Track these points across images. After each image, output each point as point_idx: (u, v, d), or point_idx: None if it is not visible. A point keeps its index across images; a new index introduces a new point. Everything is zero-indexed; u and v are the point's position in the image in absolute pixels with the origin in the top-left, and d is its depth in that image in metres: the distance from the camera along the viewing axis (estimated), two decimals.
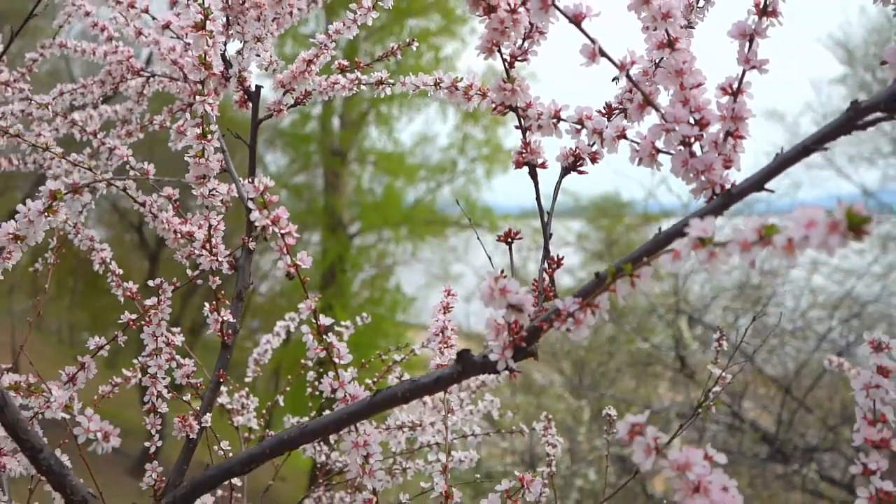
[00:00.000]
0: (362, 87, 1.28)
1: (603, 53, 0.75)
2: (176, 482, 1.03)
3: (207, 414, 1.12)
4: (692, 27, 0.92)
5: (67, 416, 0.82)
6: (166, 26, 1.25)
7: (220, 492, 1.31)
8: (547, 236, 0.88)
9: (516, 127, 0.89)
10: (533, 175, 0.90)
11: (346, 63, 1.29)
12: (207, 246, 1.12)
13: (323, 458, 1.63)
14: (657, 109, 0.78)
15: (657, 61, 0.78)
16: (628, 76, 0.77)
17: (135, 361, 1.25)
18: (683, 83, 0.75)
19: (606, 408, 1.39)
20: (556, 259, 0.87)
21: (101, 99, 1.54)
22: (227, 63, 1.22)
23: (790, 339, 7.15)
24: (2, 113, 1.45)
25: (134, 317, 1.12)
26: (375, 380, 1.59)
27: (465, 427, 1.51)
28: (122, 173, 1.41)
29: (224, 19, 1.19)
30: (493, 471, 6.38)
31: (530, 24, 0.83)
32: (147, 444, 1.12)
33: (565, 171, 0.90)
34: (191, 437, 1.11)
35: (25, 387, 0.88)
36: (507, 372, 0.74)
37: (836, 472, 5.97)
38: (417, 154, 11.03)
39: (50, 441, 0.86)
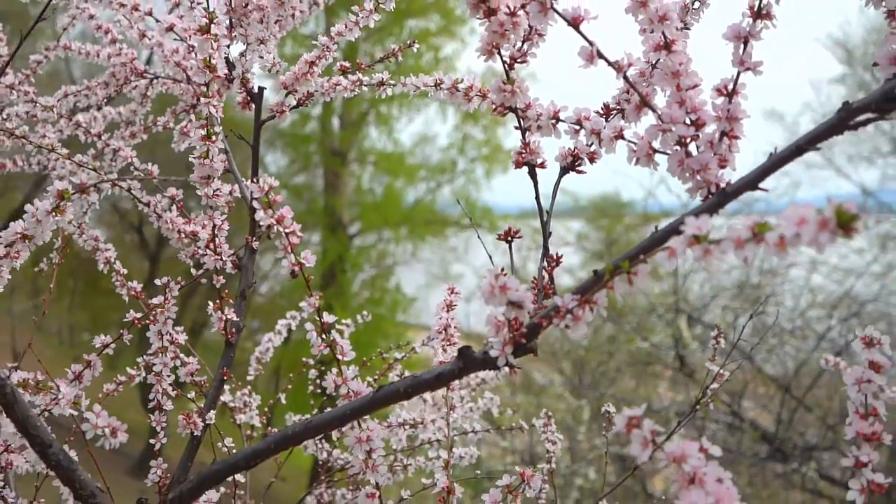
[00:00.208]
0: (363, 88, 1.29)
1: (601, 55, 0.76)
2: (180, 478, 1.04)
3: (211, 411, 1.13)
4: (688, 29, 0.93)
5: (75, 413, 0.84)
6: (170, 29, 1.27)
7: (222, 489, 1.33)
8: (546, 235, 0.89)
9: (516, 127, 0.91)
10: (532, 175, 0.92)
11: (347, 65, 1.31)
12: (211, 245, 1.13)
13: (324, 455, 1.64)
14: (654, 110, 0.79)
15: (654, 63, 0.80)
16: (625, 78, 0.79)
17: (139, 360, 1.27)
18: (680, 84, 0.77)
19: (605, 405, 1.41)
20: (555, 257, 0.88)
21: (104, 101, 1.55)
22: (230, 65, 1.23)
23: (789, 339, 7.16)
24: (6, 115, 1.47)
25: (139, 315, 1.13)
26: (376, 378, 1.60)
27: (466, 424, 1.52)
28: (126, 174, 1.42)
29: (227, 22, 1.20)
30: (494, 470, 6.39)
31: (529, 26, 0.85)
32: (152, 440, 1.13)
33: (564, 170, 0.91)
34: (195, 434, 1.12)
35: (33, 384, 0.89)
36: (507, 368, 0.75)
37: (836, 471, 5.98)
38: (417, 154, 11.04)
39: None
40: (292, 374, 1.73)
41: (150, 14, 1.36)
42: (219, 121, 1.05)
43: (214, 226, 1.11)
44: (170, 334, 1.15)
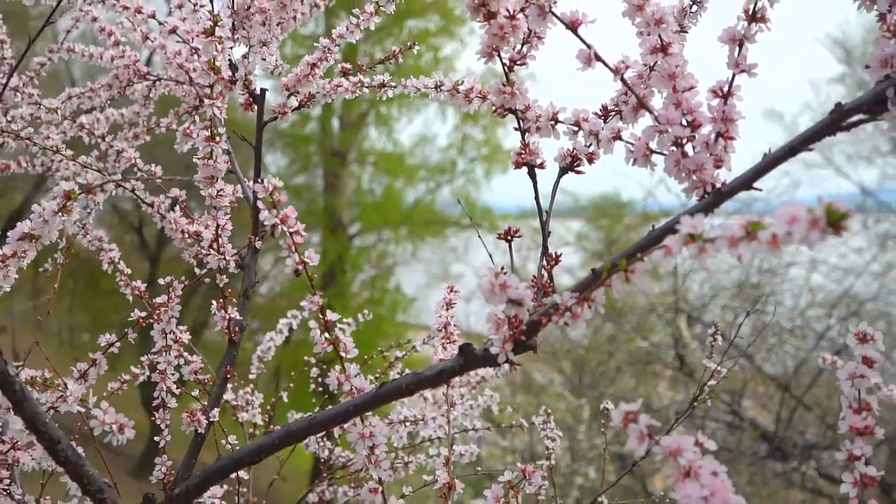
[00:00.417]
0: (364, 90, 1.31)
1: (598, 58, 0.78)
2: (185, 476, 1.06)
3: (215, 409, 1.15)
4: (685, 31, 0.95)
5: (83, 410, 0.85)
6: (173, 31, 1.28)
7: (226, 486, 1.34)
8: (545, 234, 0.91)
9: (515, 129, 0.92)
10: (532, 175, 0.93)
11: (348, 66, 1.32)
12: (215, 245, 1.15)
13: (326, 453, 1.65)
14: (651, 112, 0.81)
15: (651, 65, 0.81)
16: (623, 80, 0.80)
17: (142, 359, 1.28)
18: (676, 86, 0.78)
19: (604, 402, 1.42)
20: (554, 256, 0.89)
21: (108, 102, 1.57)
22: (232, 67, 1.25)
23: (789, 338, 7.18)
24: (11, 117, 1.48)
25: (143, 314, 1.14)
26: (377, 376, 1.62)
27: (466, 422, 1.54)
28: (129, 175, 1.44)
29: (230, 24, 1.22)
30: (494, 469, 6.40)
31: (529, 29, 0.86)
32: (157, 438, 1.15)
33: (563, 171, 0.93)
34: (199, 431, 1.14)
35: (41, 382, 0.90)
36: (507, 365, 0.77)
37: (835, 470, 5.99)
38: (417, 154, 11.05)
39: None
40: (294, 372, 1.75)
41: (152, 17, 1.37)
42: (222, 122, 1.07)
43: (218, 225, 1.13)
44: (173, 333, 1.16)
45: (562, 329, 0.72)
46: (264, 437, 0.82)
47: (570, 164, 0.91)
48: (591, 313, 0.71)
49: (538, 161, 0.92)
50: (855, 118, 0.69)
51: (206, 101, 1.01)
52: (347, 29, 1.28)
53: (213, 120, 1.04)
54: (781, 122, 8.90)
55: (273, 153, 10.68)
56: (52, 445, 0.79)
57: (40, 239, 0.92)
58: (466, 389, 1.70)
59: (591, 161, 0.91)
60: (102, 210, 1.51)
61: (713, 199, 0.73)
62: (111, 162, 1.51)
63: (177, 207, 1.27)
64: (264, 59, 1.22)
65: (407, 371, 1.67)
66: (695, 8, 0.98)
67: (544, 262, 0.88)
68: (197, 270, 1.23)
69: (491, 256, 0.98)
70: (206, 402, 1.16)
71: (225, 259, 1.15)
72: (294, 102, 1.32)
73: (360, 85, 1.30)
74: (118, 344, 1.16)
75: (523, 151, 0.92)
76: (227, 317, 1.18)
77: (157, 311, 1.13)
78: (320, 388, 1.78)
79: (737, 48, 0.76)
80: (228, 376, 1.19)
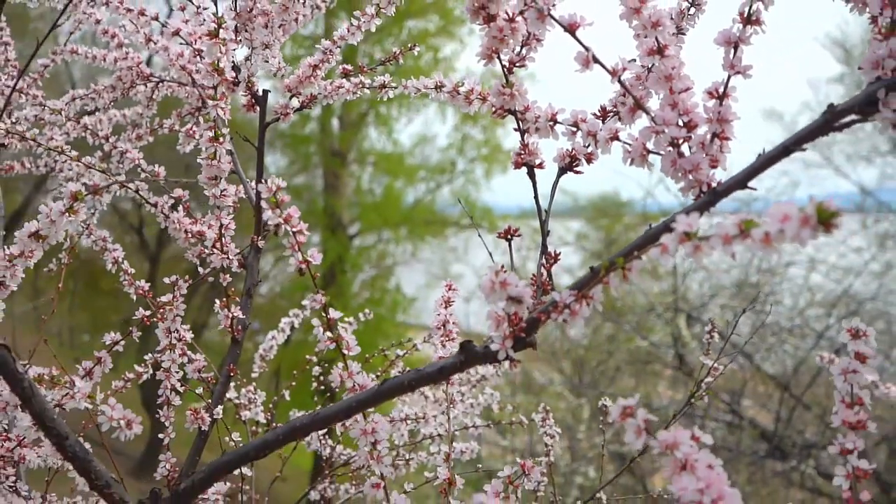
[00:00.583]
0: (366, 90, 1.32)
1: (596, 60, 0.79)
2: (189, 472, 1.07)
3: (219, 406, 1.16)
4: (683, 33, 0.96)
5: (90, 406, 0.87)
6: (176, 33, 1.30)
7: (228, 484, 1.35)
8: (545, 233, 0.92)
9: (515, 129, 0.94)
10: (531, 175, 0.95)
11: (350, 67, 1.34)
12: (218, 245, 1.16)
13: (328, 451, 1.67)
14: (648, 113, 0.82)
15: (648, 67, 0.83)
16: (620, 81, 0.82)
17: (146, 357, 1.30)
18: (672, 88, 0.79)
19: (602, 399, 1.44)
20: (553, 255, 0.91)
21: (111, 104, 1.58)
22: (235, 68, 1.26)
23: (788, 337, 7.19)
24: (16, 118, 1.50)
25: (148, 313, 1.16)
26: (378, 375, 1.63)
27: (467, 419, 1.55)
28: (133, 176, 1.45)
29: (233, 27, 1.23)
30: (494, 469, 6.41)
31: (528, 32, 0.88)
32: (161, 435, 1.16)
33: (562, 171, 0.94)
34: (203, 428, 1.15)
35: (48, 379, 0.92)
36: (507, 362, 0.78)
37: (835, 469, 5.99)
38: (417, 154, 11.07)
39: None
40: (296, 371, 1.76)
41: (155, 19, 1.39)
42: (226, 123, 1.08)
43: (222, 225, 1.14)
44: (178, 331, 1.18)
45: (562, 329, 0.73)
46: (269, 433, 0.84)
47: (568, 164, 0.93)
48: (589, 310, 0.72)
49: (537, 161, 0.94)
50: (847, 119, 0.70)
51: (211, 103, 1.03)
52: (349, 31, 1.29)
53: (217, 121, 1.05)
54: (781, 122, 8.92)
55: (273, 153, 10.70)
56: (60, 441, 0.81)
57: (47, 239, 0.93)
58: (467, 388, 1.71)
59: (589, 161, 0.92)
60: (104, 210, 1.52)
61: (709, 198, 0.75)
62: (114, 163, 1.52)
63: (180, 207, 1.29)
64: (267, 61, 1.23)
65: (408, 370, 1.68)
66: (692, 10, 0.99)
67: (543, 261, 0.90)
68: (201, 269, 1.25)
69: (491, 255, 1.00)
70: (209, 400, 1.18)
71: (228, 258, 1.17)
72: (296, 103, 1.33)
73: (361, 86, 1.32)
74: (122, 342, 1.17)
75: (523, 152, 0.94)
76: (231, 315, 1.19)
77: (162, 310, 1.14)
78: (322, 387, 1.80)
79: (732, 50, 0.78)
80: (232, 374, 1.20)
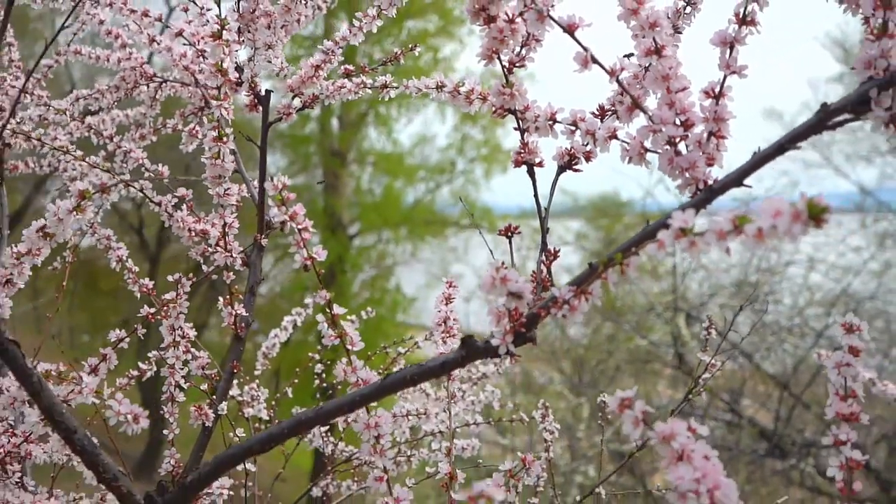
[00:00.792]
0: (367, 90, 1.34)
1: (595, 60, 0.81)
2: (193, 467, 1.08)
3: (223, 403, 1.18)
4: (679, 32, 0.98)
5: (97, 401, 0.88)
6: (179, 34, 1.31)
7: (231, 480, 1.37)
8: (544, 230, 0.94)
9: (515, 128, 0.95)
10: (531, 173, 0.96)
11: (351, 68, 1.35)
12: (222, 243, 1.17)
13: (330, 448, 1.68)
14: (645, 112, 0.84)
15: (646, 66, 0.84)
16: (618, 81, 0.83)
17: (150, 355, 1.31)
18: (669, 87, 0.81)
19: (602, 395, 1.45)
20: (552, 252, 0.92)
21: (114, 104, 1.60)
22: (238, 69, 1.28)
23: (788, 336, 7.21)
24: (20, 118, 1.51)
25: (153, 311, 1.18)
26: (380, 372, 1.64)
27: (468, 416, 1.57)
28: (136, 175, 1.47)
29: (235, 27, 1.24)
30: (494, 469, 6.41)
31: (527, 33, 0.89)
32: (165, 431, 1.18)
33: (561, 169, 0.96)
34: (207, 425, 1.17)
35: (55, 375, 0.93)
36: (507, 357, 0.79)
37: None
38: (416, 154, 11.08)
39: None
40: (298, 368, 1.78)
41: (159, 20, 1.40)
42: (230, 123, 1.10)
43: (225, 223, 1.16)
44: (181, 328, 1.19)
45: (562, 328, 0.75)
46: (274, 426, 0.85)
47: (568, 162, 0.94)
48: (588, 306, 0.74)
49: (537, 160, 0.95)
50: (841, 118, 0.72)
51: (214, 103, 1.04)
52: (351, 32, 1.31)
53: (221, 121, 1.06)
54: (781, 122, 8.93)
55: (272, 153, 10.70)
56: (68, 435, 0.82)
57: (55, 237, 0.95)
58: (468, 386, 1.73)
59: (588, 159, 0.94)
60: (105, 210, 1.54)
61: (705, 195, 0.76)
62: (118, 162, 1.54)
63: (183, 206, 1.30)
64: (269, 62, 1.25)
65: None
66: (688, 9, 1.01)
67: (543, 258, 0.91)
68: (204, 267, 1.26)
69: (492, 252, 1.01)
70: (213, 396, 1.19)
71: (232, 256, 1.18)
72: (298, 103, 1.35)
73: (362, 86, 1.33)
74: (126, 339, 1.18)
75: (523, 150, 0.95)
76: (234, 313, 1.21)
77: (166, 307, 1.16)
78: (324, 385, 1.82)
79: (728, 50, 0.79)
80: (235, 371, 1.22)
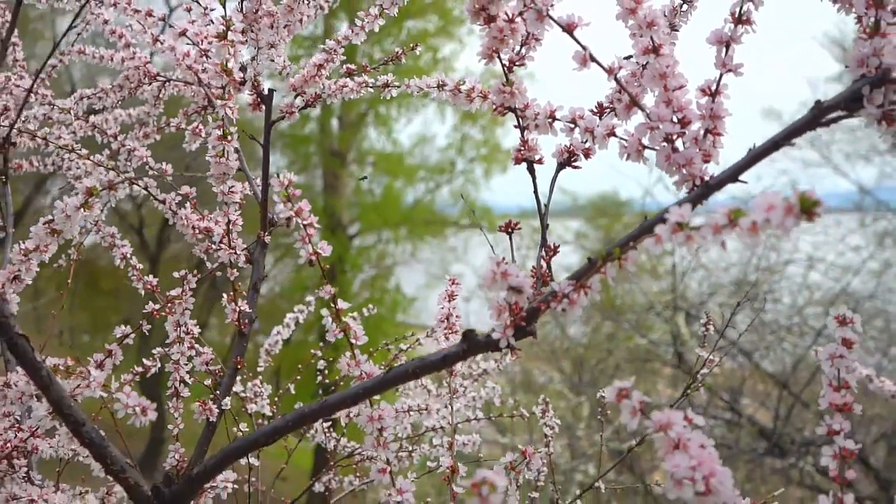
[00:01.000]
0: (369, 89, 1.35)
1: (593, 59, 0.83)
2: (197, 461, 1.10)
3: (227, 398, 1.19)
4: (676, 30, 0.99)
5: (105, 395, 0.90)
6: (182, 33, 1.33)
7: (235, 474, 1.38)
8: (544, 226, 0.95)
9: (515, 126, 0.97)
10: (531, 170, 0.98)
11: (353, 67, 1.37)
12: (226, 240, 1.19)
13: (332, 443, 1.70)
14: (643, 109, 0.85)
15: (643, 65, 0.86)
16: (616, 79, 0.85)
17: (154, 352, 1.33)
18: (667, 85, 0.82)
19: (601, 391, 1.46)
20: (552, 247, 0.94)
21: (118, 103, 1.61)
22: (242, 68, 1.29)
23: (787, 336, 7.23)
24: (25, 117, 1.53)
25: (157, 307, 1.19)
26: (380, 368, 1.65)
27: (469, 412, 1.58)
28: (140, 173, 1.48)
29: (239, 28, 1.26)
30: (495, 463, 6.42)
31: (527, 32, 0.91)
32: (170, 426, 1.19)
33: (561, 166, 0.97)
34: (211, 420, 1.18)
35: (63, 369, 0.95)
36: (508, 352, 0.81)
37: None
38: (416, 154, 11.10)
39: None
40: (301, 365, 1.80)
41: (163, 20, 1.42)
42: (234, 122, 1.11)
43: (229, 221, 1.17)
44: (186, 325, 1.21)
45: (562, 327, 0.77)
46: (278, 419, 0.87)
47: (567, 159, 0.96)
48: (587, 300, 0.75)
49: (537, 157, 0.97)
50: (834, 115, 0.73)
51: (219, 102, 1.06)
52: (353, 31, 1.32)
53: (225, 120, 1.08)
54: (780, 121, 8.95)
55: (272, 153, 10.68)
56: (77, 427, 0.84)
57: (62, 233, 0.96)
58: (469, 382, 1.74)
59: (587, 156, 0.95)
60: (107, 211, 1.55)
61: (701, 191, 0.78)
62: (122, 161, 1.55)
63: (187, 204, 1.31)
64: (272, 61, 1.26)
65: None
66: (685, 7, 1.02)
67: (543, 253, 0.93)
68: (208, 265, 1.28)
69: (493, 248, 1.03)
70: (217, 392, 1.21)
71: (235, 253, 1.20)
72: (300, 102, 1.36)
73: (364, 85, 1.35)
74: (132, 335, 1.20)
75: (522, 148, 0.97)
76: (238, 309, 1.22)
77: (171, 304, 1.17)
78: (326, 381, 1.83)
79: (724, 49, 0.81)
80: (239, 367, 1.23)
